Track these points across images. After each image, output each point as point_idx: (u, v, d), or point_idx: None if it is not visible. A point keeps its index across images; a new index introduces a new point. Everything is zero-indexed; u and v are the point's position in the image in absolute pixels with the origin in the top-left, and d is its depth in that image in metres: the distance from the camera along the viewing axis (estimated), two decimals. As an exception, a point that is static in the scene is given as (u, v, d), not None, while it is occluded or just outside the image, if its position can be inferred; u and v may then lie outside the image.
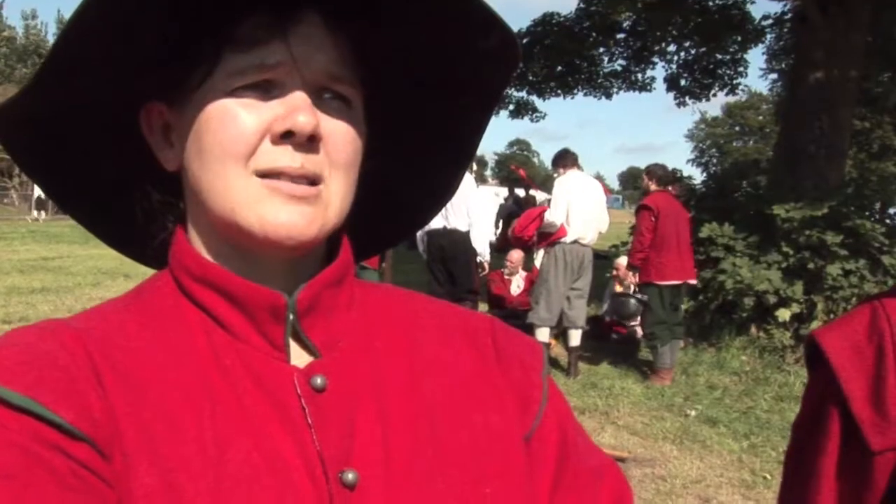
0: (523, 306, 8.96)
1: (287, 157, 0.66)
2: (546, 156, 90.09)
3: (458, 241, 7.29)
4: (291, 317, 0.70)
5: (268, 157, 0.66)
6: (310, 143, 0.66)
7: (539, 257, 7.84)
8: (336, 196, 0.69)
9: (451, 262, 7.35)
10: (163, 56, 0.68)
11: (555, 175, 7.72)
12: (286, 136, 0.65)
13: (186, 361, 0.67)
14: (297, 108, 0.65)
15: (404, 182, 0.85)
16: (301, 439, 0.66)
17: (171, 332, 0.69)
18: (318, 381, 0.68)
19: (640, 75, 18.44)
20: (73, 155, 0.76)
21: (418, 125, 0.81)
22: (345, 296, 0.75)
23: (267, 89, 0.66)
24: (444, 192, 0.88)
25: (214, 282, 0.70)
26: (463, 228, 7.29)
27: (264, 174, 0.66)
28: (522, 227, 7.88)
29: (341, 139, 0.68)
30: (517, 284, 9.97)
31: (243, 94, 0.66)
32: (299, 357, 0.71)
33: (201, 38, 0.66)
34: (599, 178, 30.88)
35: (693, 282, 7.59)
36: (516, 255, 9.83)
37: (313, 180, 0.67)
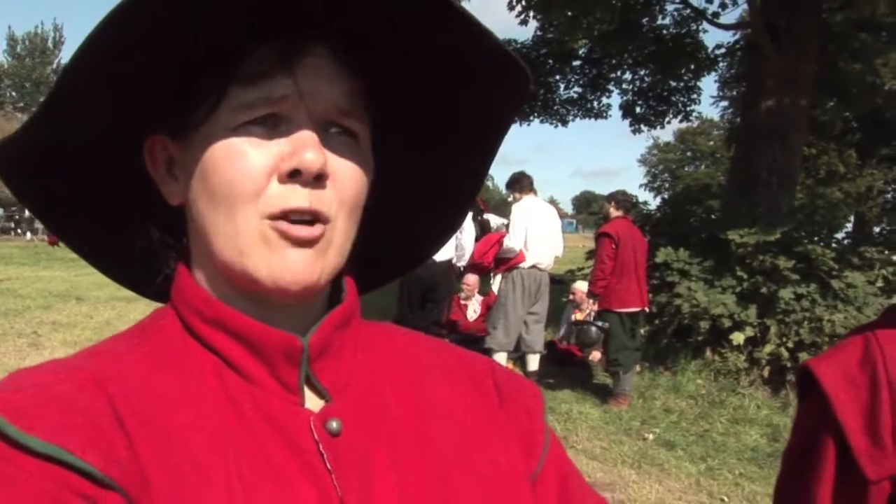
0: (479, 332, 8.90)
1: (296, 197, 0.64)
2: (501, 180, 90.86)
3: (438, 273, 7.19)
4: (305, 360, 0.68)
5: (277, 199, 0.64)
6: (317, 181, 0.64)
7: (496, 282, 7.83)
8: (340, 236, 0.67)
9: (429, 293, 7.24)
10: (166, 91, 0.66)
11: (509, 199, 7.73)
12: (293, 175, 0.63)
13: (204, 405, 0.64)
14: (304, 146, 0.63)
15: (411, 216, 0.84)
16: (323, 485, 0.64)
17: (184, 374, 0.66)
18: (334, 424, 0.67)
19: (595, 102, 18.76)
20: (73, 187, 0.73)
21: (426, 159, 0.80)
22: (352, 337, 0.74)
23: (273, 124, 0.64)
24: (450, 226, 0.87)
25: (227, 324, 0.67)
26: (445, 258, 7.17)
27: (274, 217, 0.64)
28: (481, 254, 7.88)
29: (348, 176, 0.67)
30: (473, 309, 9.95)
31: (249, 129, 0.64)
32: (310, 400, 0.69)
33: (206, 74, 0.65)
34: (553, 202, 31.17)
35: (647, 309, 7.64)
36: (472, 278, 9.82)
37: (320, 219, 0.65)
